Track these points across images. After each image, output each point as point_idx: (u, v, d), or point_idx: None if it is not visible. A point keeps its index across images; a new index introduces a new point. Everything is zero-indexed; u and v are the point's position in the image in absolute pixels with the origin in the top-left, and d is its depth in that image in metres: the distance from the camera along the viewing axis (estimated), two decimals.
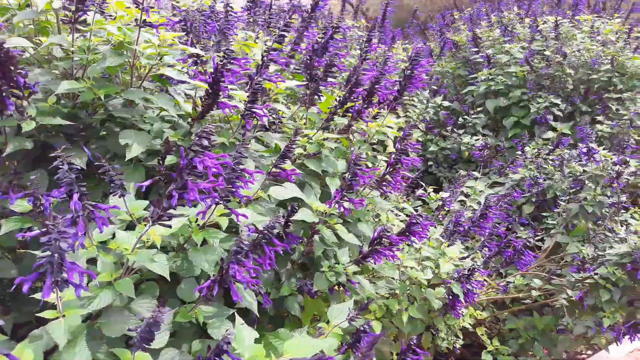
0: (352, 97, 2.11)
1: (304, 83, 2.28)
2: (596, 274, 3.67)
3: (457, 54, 6.67)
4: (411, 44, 7.57)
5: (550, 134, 5.33)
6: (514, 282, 4.30)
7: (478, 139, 5.78)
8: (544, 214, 4.68)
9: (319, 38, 2.85)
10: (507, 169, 4.88)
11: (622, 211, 4.52)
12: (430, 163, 6.01)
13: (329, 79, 2.21)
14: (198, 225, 1.68)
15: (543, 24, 5.75)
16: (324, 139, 2.20)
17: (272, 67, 2.32)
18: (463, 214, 2.98)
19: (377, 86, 2.13)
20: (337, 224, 2.02)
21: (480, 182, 4.02)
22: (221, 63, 1.84)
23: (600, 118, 5.33)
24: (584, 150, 3.77)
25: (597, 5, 6.61)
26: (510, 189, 5.24)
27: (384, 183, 2.31)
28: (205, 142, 1.39)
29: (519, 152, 5.30)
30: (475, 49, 6.19)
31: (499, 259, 2.85)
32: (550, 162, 4.58)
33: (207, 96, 1.93)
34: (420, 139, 5.65)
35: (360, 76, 2.06)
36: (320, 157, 2.24)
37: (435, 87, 6.17)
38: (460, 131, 5.79)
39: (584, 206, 4.02)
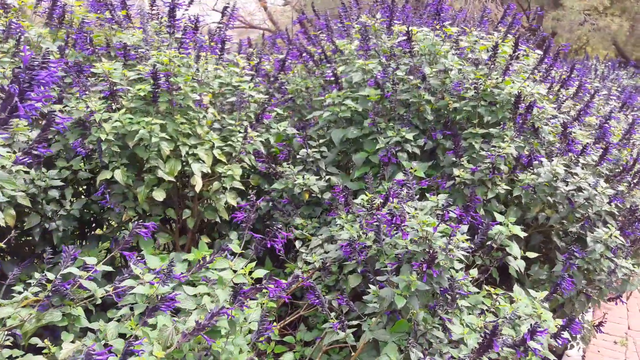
0: None
1: None
2: None
3: (317, 69, 5.39)
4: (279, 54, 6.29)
5: (401, 176, 4.08)
6: None
7: (319, 179, 4.50)
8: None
9: None
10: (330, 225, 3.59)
11: (469, 293, 3.28)
12: (273, 203, 4.70)
13: None
14: None
15: (404, 36, 4.52)
16: None
17: None
18: None
19: None
20: None
21: (238, 262, 2.60)
22: None
23: (466, 159, 4.14)
24: (387, 216, 2.50)
25: (485, 17, 5.48)
26: (340, 250, 3.96)
27: None
28: None
29: (357, 201, 4.04)
30: (328, 65, 4.93)
31: None
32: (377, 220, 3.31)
33: None
34: (236, 178, 4.31)
35: None
36: None
37: (280, 110, 4.88)
38: (298, 168, 4.50)
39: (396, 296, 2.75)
